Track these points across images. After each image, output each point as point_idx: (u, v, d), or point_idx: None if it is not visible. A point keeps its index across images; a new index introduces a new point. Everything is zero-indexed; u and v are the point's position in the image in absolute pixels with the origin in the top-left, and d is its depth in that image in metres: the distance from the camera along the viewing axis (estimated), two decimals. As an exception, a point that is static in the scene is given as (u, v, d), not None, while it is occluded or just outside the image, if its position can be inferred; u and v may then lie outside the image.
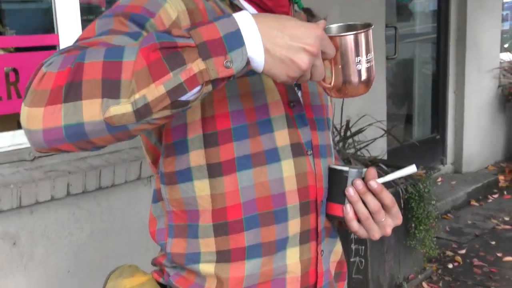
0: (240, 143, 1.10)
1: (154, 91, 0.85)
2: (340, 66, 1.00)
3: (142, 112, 0.86)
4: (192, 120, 1.09)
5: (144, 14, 1.02)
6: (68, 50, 0.93)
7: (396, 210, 1.18)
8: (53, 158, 2.78)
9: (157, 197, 1.21)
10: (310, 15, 1.25)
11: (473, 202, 5.48)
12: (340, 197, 1.17)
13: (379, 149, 4.46)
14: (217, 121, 1.09)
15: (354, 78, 1.01)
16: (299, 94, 1.19)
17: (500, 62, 6.24)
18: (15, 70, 2.77)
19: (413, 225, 3.67)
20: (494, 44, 5.97)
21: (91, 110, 0.86)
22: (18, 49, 3.06)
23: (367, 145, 3.85)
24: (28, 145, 2.71)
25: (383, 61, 4.66)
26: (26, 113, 0.89)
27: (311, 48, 0.92)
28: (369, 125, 3.96)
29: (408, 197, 3.61)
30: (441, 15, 5.61)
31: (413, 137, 5.77)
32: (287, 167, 1.13)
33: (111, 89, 0.85)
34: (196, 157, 1.10)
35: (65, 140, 0.88)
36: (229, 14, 0.93)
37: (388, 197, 1.16)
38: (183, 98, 0.87)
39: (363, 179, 1.16)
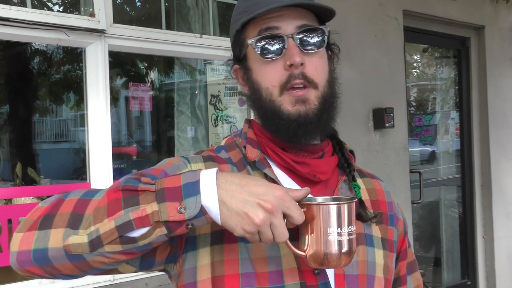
0: None
1: (106, 225, 0.96)
2: (317, 235, 0.99)
3: (94, 243, 0.96)
4: (201, 279, 1.11)
5: (160, 175, 1.10)
6: (66, 191, 1.06)
7: None
8: (77, 306, 2.75)
9: None
10: (362, 207, 1.24)
11: None
12: None
13: (408, 296, 4.33)
14: (226, 282, 1.10)
15: (333, 249, 0.99)
16: None
17: (528, 207, 6.18)
18: (46, 218, 2.82)
19: None
20: (520, 189, 5.95)
21: (55, 238, 0.98)
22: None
23: (395, 293, 3.74)
24: (54, 293, 2.71)
25: (408, 206, 4.66)
26: (12, 237, 1.02)
27: (266, 204, 0.96)
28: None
29: None
30: (464, 157, 5.66)
31: (442, 282, 5.60)
32: None
33: (74, 221, 0.98)
34: None
35: (33, 263, 1.00)
36: (198, 169, 1.01)
37: None
38: (132, 234, 0.96)
39: None
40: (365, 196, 1.29)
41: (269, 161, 1.21)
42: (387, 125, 4.32)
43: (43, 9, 2.89)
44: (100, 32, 2.97)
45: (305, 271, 1.13)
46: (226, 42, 3.62)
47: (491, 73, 5.52)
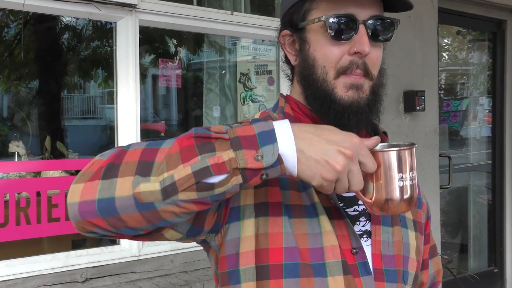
0: (290, 281, 1.08)
1: (181, 171, 0.91)
2: (382, 182, 1.01)
3: (168, 190, 0.91)
4: (245, 250, 1.10)
5: None
6: (122, 145, 1.03)
7: None
8: (104, 280, 2.78)
9: None
10: None
11: None
12: None
13: (434, 281, 4.29)
14: (270, 254, 1.09)
15: (396, 195, 1.01)
16: (369, 242, 1.17)
17: (559, 195, 6.07)
18: (75, 192, 2.84)
19: None
20: (552, 176, 5.84)
21: (123, 186, 0.93)
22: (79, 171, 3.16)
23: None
24: (81, 266, 2.73)
25: (437, 191, 4.59)
26: (70, 189, 0.98)
27: (347, 150, 0.95)
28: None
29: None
30: (496, 143, 5.56)
31: (469, 269, 5.54)
32: None
33: (143, 169, 0.93)
34: None
35: (97, 214, 0.95)
36: (269, 120, 0.98)
37: None
38: (209, 180, 0.91)
39: None
40: None
41: None
42: (418, 108, 4.26)
43: (75, -17, 2.87)
44: (131, 6, 2.95)
45: (345, 250, 1.13)
46: (257, 19, 3.58)
47: (527, 57, 5.40)
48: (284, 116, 1.20)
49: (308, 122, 1.19)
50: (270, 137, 0.94)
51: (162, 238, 1.07)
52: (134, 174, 0.93)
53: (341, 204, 1.18)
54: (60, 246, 2.89)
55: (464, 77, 6.41)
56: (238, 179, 0.93)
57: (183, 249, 3.07)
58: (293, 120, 1.19)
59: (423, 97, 4.28)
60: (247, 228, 1.10)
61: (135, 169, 0.94)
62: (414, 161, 1.03)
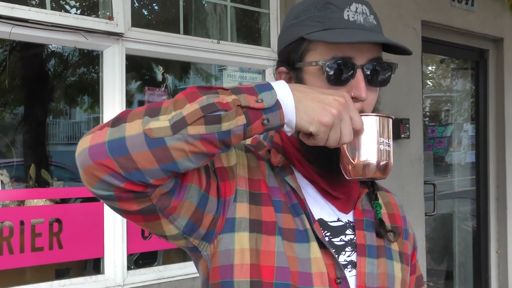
0: None
1: (189, 108, 0.96)
2: (363, 145, 1.09)
3: (178, 124, 0.95)
4: (239, 263, 1.10)
5: None
6: None
7: None
8: (87, 310, 2.74)
9: None
10: (382, 227, 1.26)
11: None
12: None
13: (420, 309, 4.27)
14: (263, 271, 1.10)
15: (375, 159, 1.10)
16: (354, 272, 1.18)
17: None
18: (58, 221, 2.82)
19: None
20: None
21: (133, 127, 0.97)
22: (64, 199, 3.15)
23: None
24: (64, 297, 2.70)
25: (422, 218, 4.60)
26: (79, 144, 1.01)
27: (340, 99, 1.03)
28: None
29: None
30: (479, 170, 5.59)
31: (454, 296, 5.54)
32: None
33: (152, 112, 0.98)
34: None
35: (108, 154, 0.96)
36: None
37: None
38: (216, 113, 0.95)
39: None
40: (383, 209, 1.30)
41: (293, 168, 1.21)
42: (403, 135, 4.29)
43: (62, 11, 2.89)
44: (118, 35, 2.97)
45: (332, 279, 1.14)
46: (243, 48, 3.60)
47: (509, 85, 5.46)
48: (272, 145, 1.22)
49: (295, 153, 1.21)
50: (267, 87, 1.01)
51: (159, 229, 1.08)
52: (143, 116, 0.97)
53: (328, 234, 1.19)
54: (43, 276, 2.85)
55: (448, 103, 6.47)
56: (242, 119, 0.98)
57: (168, 278, 3.05)
58: (281, 150, 1.21)
59: (407, 125, 4.32)
60: (242, 240, 1.11)
61: (143, 114, 0.98)
62: (391, 131, 1.11)
